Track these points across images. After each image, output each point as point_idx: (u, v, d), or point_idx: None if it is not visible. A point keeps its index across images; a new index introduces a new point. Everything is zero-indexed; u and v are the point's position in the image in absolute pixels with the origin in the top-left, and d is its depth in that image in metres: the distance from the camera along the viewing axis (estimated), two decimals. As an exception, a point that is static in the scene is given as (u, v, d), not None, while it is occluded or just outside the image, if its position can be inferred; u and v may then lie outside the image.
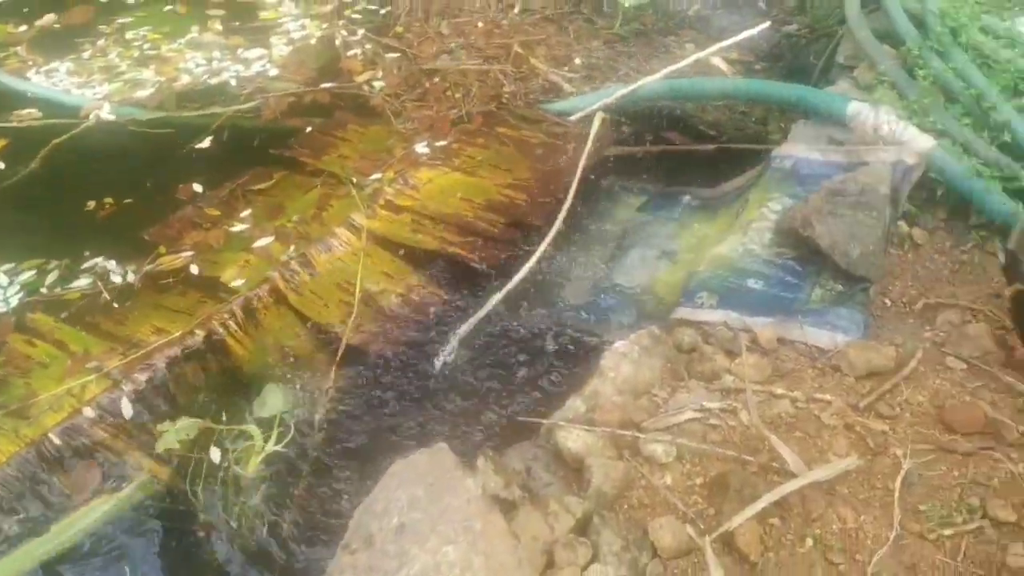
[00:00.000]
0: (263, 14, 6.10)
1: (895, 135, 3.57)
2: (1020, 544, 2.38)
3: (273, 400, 3.13)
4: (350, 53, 5.46)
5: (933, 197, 3.51)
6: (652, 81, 4.49)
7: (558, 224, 3.94)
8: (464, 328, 3.47)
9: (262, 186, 4.26)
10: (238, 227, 3.98)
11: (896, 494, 2.53)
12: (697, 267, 3.48)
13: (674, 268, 3.76)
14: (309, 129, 4.73)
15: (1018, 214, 3.24)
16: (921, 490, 2.56)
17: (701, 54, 4.58)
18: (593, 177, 4.36)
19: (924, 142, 3.50)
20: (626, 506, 2.50)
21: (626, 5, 5.35)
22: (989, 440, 2.69)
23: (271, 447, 2.97)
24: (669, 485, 2.55)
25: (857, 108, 3.72)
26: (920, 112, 3.66)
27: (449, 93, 4.96)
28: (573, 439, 2.62)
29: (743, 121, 4.65)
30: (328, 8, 6.04)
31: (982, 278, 3.27)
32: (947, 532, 2.43)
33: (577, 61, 5.17)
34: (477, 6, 5.81)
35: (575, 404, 2.82)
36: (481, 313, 3.52)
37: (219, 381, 3.41)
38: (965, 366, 2.95)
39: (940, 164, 3.44)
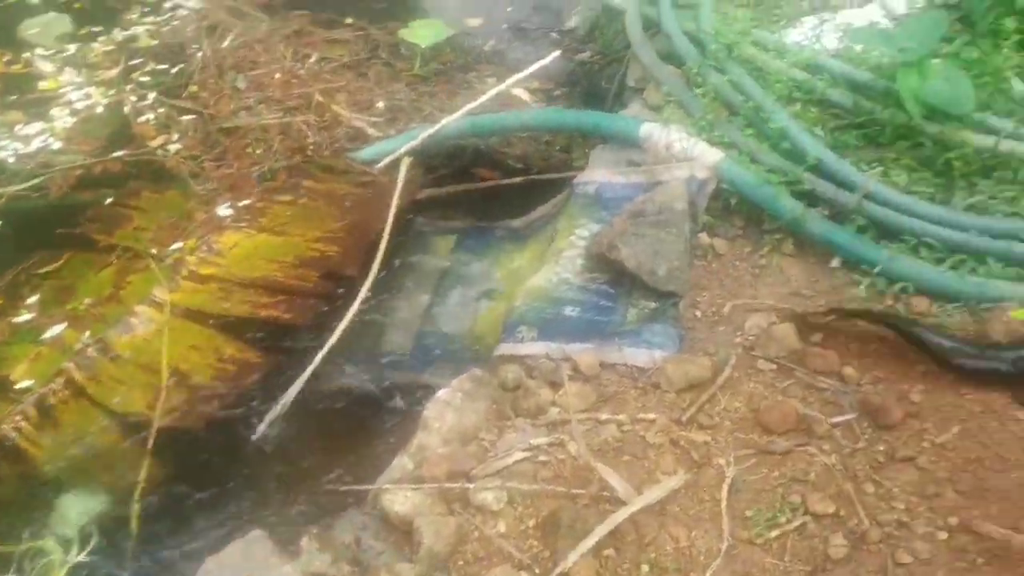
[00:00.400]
0: (42, 84, 5.69)
1: (686, 151, 3.69)
2: (840, 534, 2.47)
3: (75, 505, 2.86)
4: (142, 119, 5.16)
5: (729, 207, 3.65)
6: (454, 120, 4.48)
7: (373, 275, 3.84)
8: (283, 396, 3.30)
9: (49, 269, 3.94)
10: (24, 316, 3.66)
11: (723, 504, 2.57)
12: (515, 301, 3.46)
13: (494, 305, 3.74)
14: (109, 201, 4.41)
15: (805, 216, 3.41)
16: (746, 496, 2.62)
17: (500, 88, 4.62)
18: (406, 222, 4.30)
19: (713, 155, 3.64)
20: (461, 562, 2.42)
21: (423, 46, 5.34)
22: (803, 436, 2.79)
23: (74, 559, 2.70)
24: (503, 533, 2.49)
25: (649, 129, 3.84)
26: (707, 127, 3.81)
27: (250, 150, 4.77)
28: (400, 501, 2.52)
29: (548, 151, 4.72)
30: (114, 73, 5.71)
31: (780, 279, 3.41)
32: (774, 534, 2.49)
33: (380, 105, 5.11)
34: (273, 57, 5.65)
35: (402, 462, 2.72)
36: (301, 379, 3.36)
37: (15, 493, 3.10)
38: (775, 367, 3.06)
39: (730, 175, 3.59)
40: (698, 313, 3.33)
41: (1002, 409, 2.74)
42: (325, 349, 3.46)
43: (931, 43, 3.54)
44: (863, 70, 3.88)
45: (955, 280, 3.16)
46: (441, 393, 2.92)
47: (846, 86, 3.86)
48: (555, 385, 3.02)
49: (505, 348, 3.23)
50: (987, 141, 3.45)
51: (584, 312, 3.33)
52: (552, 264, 3.54)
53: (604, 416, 2.88)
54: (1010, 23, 3.81)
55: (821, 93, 3.84)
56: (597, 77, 5.08)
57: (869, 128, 3.73)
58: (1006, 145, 3.43)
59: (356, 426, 3.27)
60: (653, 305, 3.31)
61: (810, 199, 3.53)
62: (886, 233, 3.40)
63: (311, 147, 4.76)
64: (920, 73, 3.54)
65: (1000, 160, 3.46)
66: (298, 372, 3.41)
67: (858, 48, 3.95)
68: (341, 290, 3.85)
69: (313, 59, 5.60)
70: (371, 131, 4.85)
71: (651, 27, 4.51)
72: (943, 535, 2.43)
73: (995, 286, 3.11)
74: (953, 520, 2.46)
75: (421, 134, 4.50)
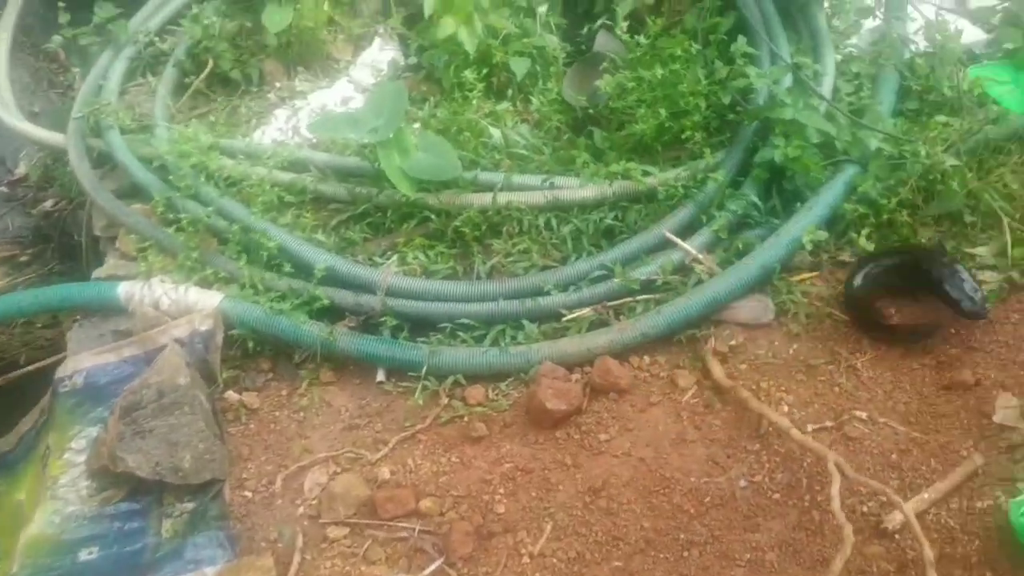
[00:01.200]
0: None
1: (179, 304, 3.11)
2: None
3: None
4: None
5: (248, 351, 3.12)
6: None
7: None
8: None
9: None
10: None
11: None
12: (13, 566, 2.62)
13: (-9, 575, 2.84)
14: None
15: (333, 335, 3.01)
16: None
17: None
18: None
19: (211, 299, 3.10)
20: None
21: None
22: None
23: None
24: None
25: (128, 289, 3.19)
26: (196, 267, 3.25)
27: None
28: None
29: (31, 335, 3.83)
30: None
31: (330, 416, 2.96)
32: None
33: None
34: None
35: None
36: None
37: None
38: (348, 529, 2.60)
39: (237, 315, 3.07)
40: (248, 493, 2.76)
41: (586, 491, 2.57)
42: None
43: (398, 115, 3.32)
44: (349, 155, 3.61)
45: (498, 357, 2.96)
46: None
47: (336, 176, 3.55)
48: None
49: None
50: (486, 199, 3.34)
51: (106, 549, 2.60)
52: (49, 500, 2.74)
53: None
54: (471, 74, 3.76)
55: (313, 191, 3.50)
56: (69, 227, 4.25)
57: (374, 216, 3.45)
58: (503, 198, 3.33)
59: None
60: (191, 506, 2.68)
61: (336, 314, 3.16)
62: (422, 326, 3.12)
63: None
64: (399, 149, 3.32)
65: (503, 215, 3.35)
66: None
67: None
68: None
69: None
70: None
71: (108, 161, 3.82)
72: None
73: (537, 350, 2.96)
74: (575, 647, 2.20)
75: None
